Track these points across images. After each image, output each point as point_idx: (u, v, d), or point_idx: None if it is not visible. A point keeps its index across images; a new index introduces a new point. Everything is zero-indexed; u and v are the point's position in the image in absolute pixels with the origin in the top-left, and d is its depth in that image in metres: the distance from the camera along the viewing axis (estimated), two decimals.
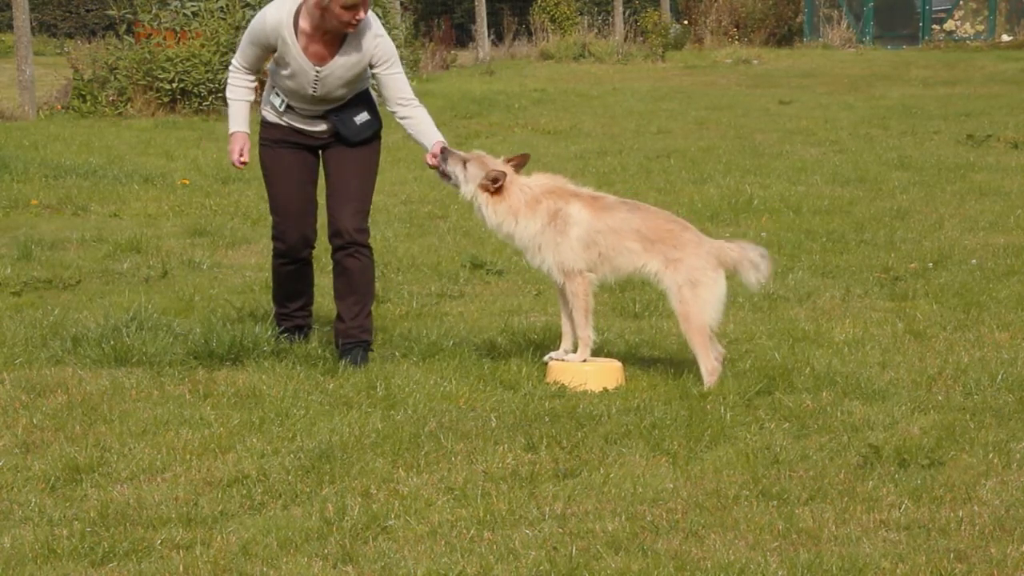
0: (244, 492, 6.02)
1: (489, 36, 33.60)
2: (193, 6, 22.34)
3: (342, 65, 7.91)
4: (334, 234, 8.10)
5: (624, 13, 35.71)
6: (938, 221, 12.51)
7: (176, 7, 22.44)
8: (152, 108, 21.15)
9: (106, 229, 12.31)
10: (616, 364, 7.83)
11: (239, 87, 8.18)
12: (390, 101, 8.14)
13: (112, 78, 21.40)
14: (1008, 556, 5.35)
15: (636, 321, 9.18)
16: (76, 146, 17.48)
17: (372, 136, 8.22)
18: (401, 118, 8.16)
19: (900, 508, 5.83)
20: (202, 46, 21.30)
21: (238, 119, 8.17)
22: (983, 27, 34.02)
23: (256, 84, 8.32)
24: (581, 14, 36.01)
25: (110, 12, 23.67)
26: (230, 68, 8.22)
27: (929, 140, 18.32)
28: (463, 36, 38.17)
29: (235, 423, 6.93)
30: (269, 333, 8.25)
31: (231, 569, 5.29)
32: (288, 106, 8.06)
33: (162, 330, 8.37)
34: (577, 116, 21.75)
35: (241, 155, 8.11)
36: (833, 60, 30.37)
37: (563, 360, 7.79)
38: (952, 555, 5.35)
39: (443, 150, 8.04)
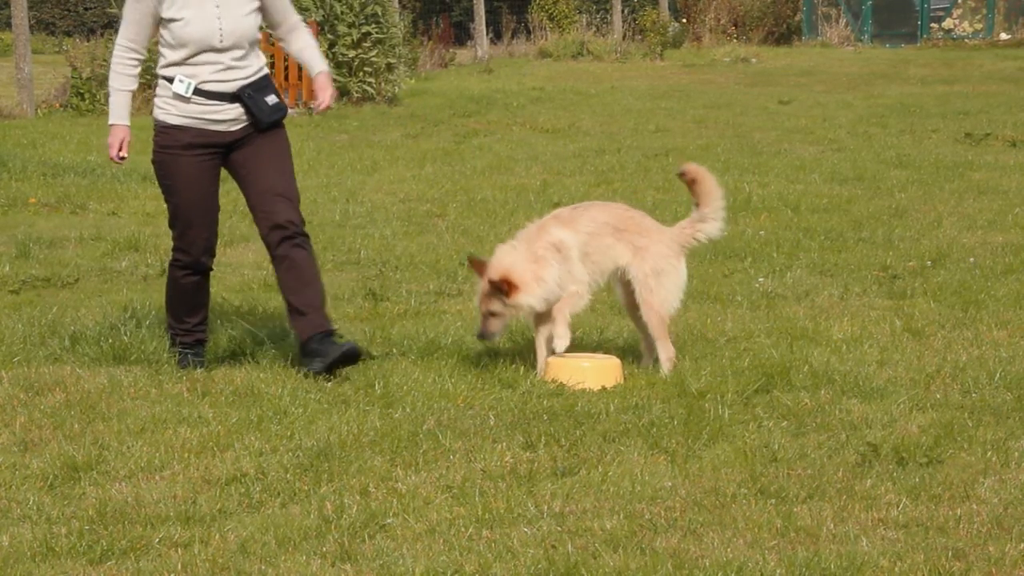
0: (242, 490, 6.02)
1: (488, 34, 33.60)
2: None
3: None
4: (274, 227, 7.76)
5: (623, 11, 35.71)
6: (936, 219, 12.51)
7: None
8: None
9: (104, 227, 12.31)
10: (615, 362, 7.83)
11: (124, 74, 7.76)
12: (277, 28, 7.93)
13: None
14: (1006, 554, 5.35)
15: None
16: (74, 144, 17.48)
17: (280, 121, 7.87)
18: (283, 42, 8.02)
19: (898, 506, 5.83)
20: None
21: (120, 110, 7.79)
22: (981, 26, 34.02)
23: (139, 70, 7.85)
24: (580, 12, 36.01)
25: (110, 10, 23.67)
26: (114, 52, 7.82)
27: (927, 138, 18.32)
28: (462, 34, 38.16)
29: (233, 421, 6.93)
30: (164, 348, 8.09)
31: (229, 567, 5.29)
32: (196, 89, 7.66)
33: (160, 329, 8.37)
34: (575, 115, 21.75)
35: (121, 150, 7.78)
36: (831, 58, 30.37)
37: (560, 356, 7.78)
38: (950, 553, 5.35)
39: (481, 335, 7.85)
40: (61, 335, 8.38)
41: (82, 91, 21.28)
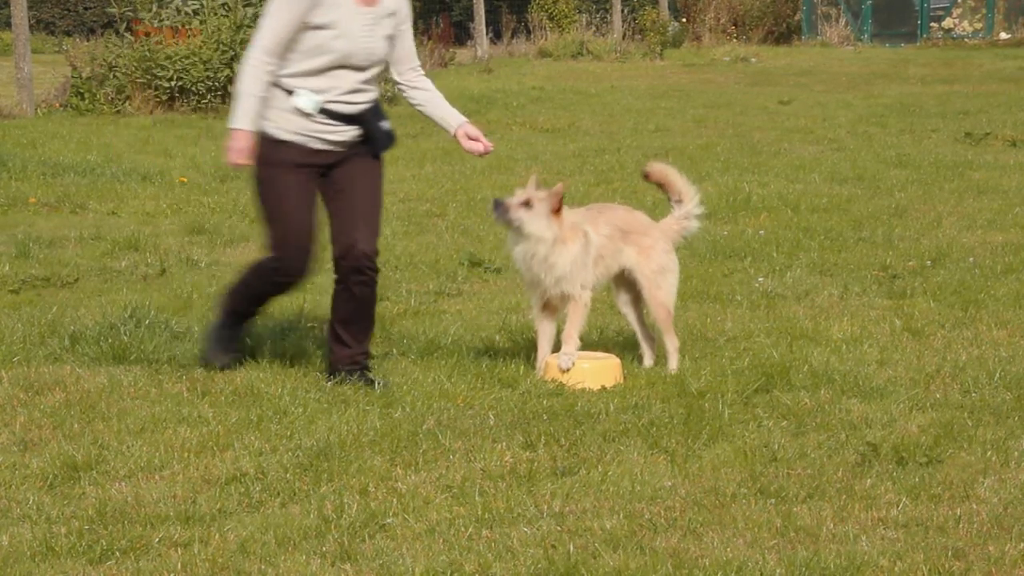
0: (242, 490, 6.02)
1: (487, 34, 33.59)
2: (194, 3, 22.35)
3: (386, 8, 7.42)
4: (345, 255, 7.54)
5: (622, 11, 35.71)
6: (936, 219, 12.51)
7: (177, 5, 22.45)
8: (151, 106, 21.15)
9: (104, 227, 12.31)
10: (615, 362, 7.83)
11: (260, 80, 7.32)
12: (401, 64, 7.62)
13: (111, 76, 21.40)
14: (1006, 554, 5.35)
15: None
16: (74, 144, 17.47)
17: (388, 149, 7.72)
18: (412, 88, 7.69)
19: (898, 506, 5.83)
20: (202, 44, 21.30)
21: (249, 115, 7.33)
22: (981, 25, 34.02)
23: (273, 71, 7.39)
24: (579, 12, 36.01)
25: (110, 9, 23.67)
26: (251, 55, 7.35)
27: (927, 138, 18.32)
28: (461, 34, 38.16)
29: (233, 421, 6.93)
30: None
31: (229, 567, 5.29)
32: (322, 108, 7.37)
33: (160, 328, 8.38)
34: (575, 114, 21.74)
35: (243, 156, 7.39)
36: (831, 58, 30.36)
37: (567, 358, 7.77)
38: (950, 553, 5.35)
39: (497, 205, 7.77)
40: (61, 335, 8.37)
41: (82, 91, 21.28)
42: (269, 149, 7.43)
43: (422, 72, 7.76)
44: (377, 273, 7.70)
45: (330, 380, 7.57)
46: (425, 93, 7.74)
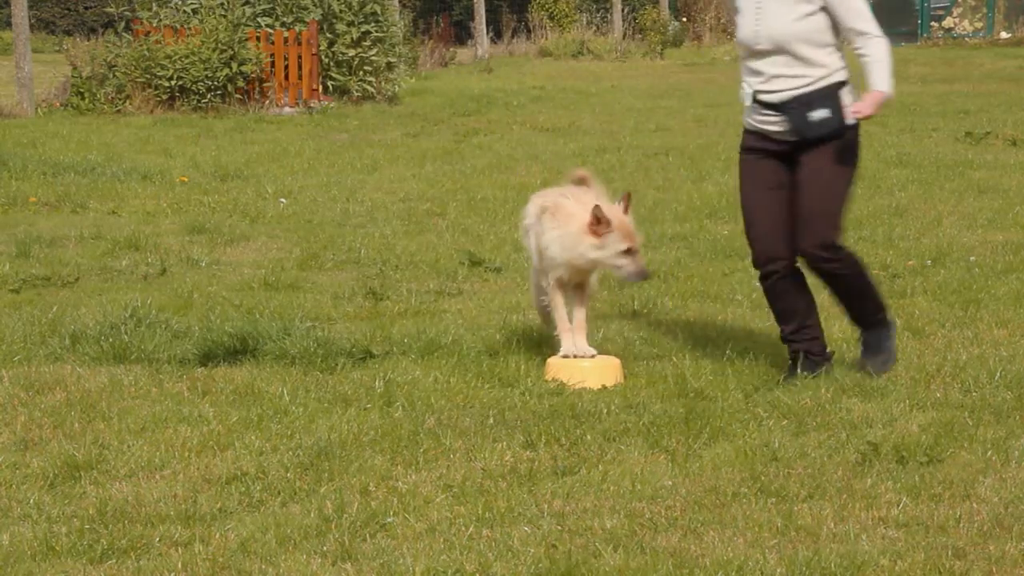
0: (243, 489, 6.02)
1: (488, 33, 33.63)
2: (193, 3, 22.37)
3: None
4: (800, 251, 7.55)
5: (623, 11, 35.73)
6: (936, 218, 12.51)
7: (176, 4, 22.47)
8: (151, 105, 21.17)
9: (105, 226, 12.31)
10: (615, 361, 7.82)
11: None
12: (844, 32, 7.38)
13: (111, 75, 21.43)
14: (1007, 553, 5.35)
15: (635, 318, 9.18)
16: (75, 143, 17.48)
17: (830, 136, 7.36)
18: (857, 54, 7.43)
19: (899, 505, 5.83)
20: (201, 43, 21.31)
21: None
22: (982, 24, 34.05)
23: None
24: (580, 11, 36.05)
25: (109, 9, 23.68)
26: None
27: (928, 137, 18.32)
28: (462, 33, 38.18)
29: (233, 420, 6.93)
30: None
31: (230, 566, 5.29)
32: (753, 97, 7.47)
33: (160, 327, 8.37)
34: (576, 113, 21.76)
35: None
36: None
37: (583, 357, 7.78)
38: (951, 552, 5.35)
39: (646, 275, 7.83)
40: (61, 334, 8.37)
41: (82, 90, 21.30)
42: (743, 137, 7.72)
43: (874, 38, 7.45)
44: (833, 259, 7.50)
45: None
46: (864, 58, 7.45)
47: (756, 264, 7.69)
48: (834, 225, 7.51)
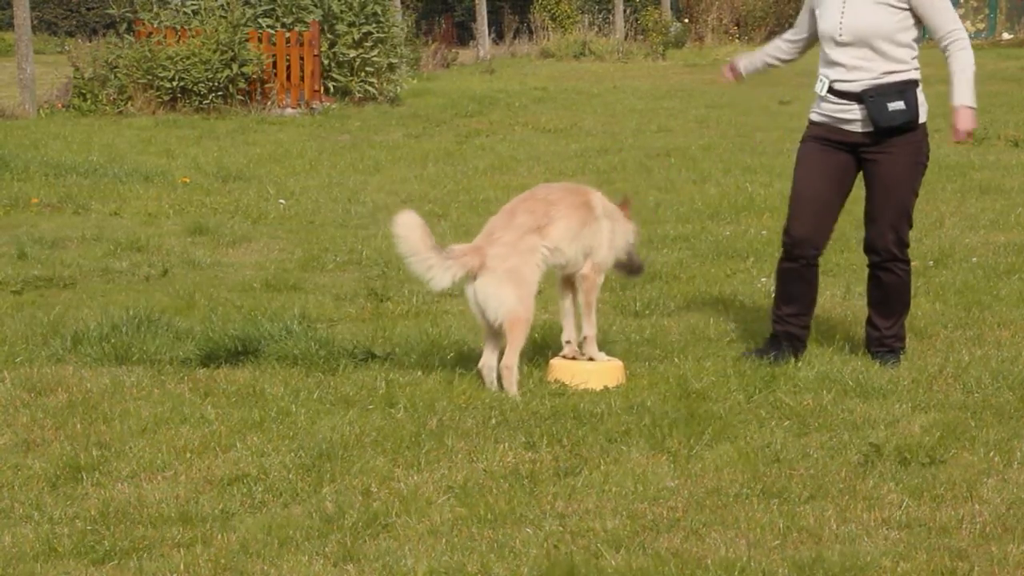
0: (244, 490, 6.02)
1: (490, 34, 33.64)
2: (194, 4, 22.38)
3: None
4: (868, 249, 7.97)
5: (625, 11, 35.74)
6: (938, 219, 12.51)
7: (177, 5, 22.48)
8: (152, 106, 21.17)
9: (106, 228, 12.31)
10: (617, 362, 7.82)
11: (763, 50, 8.38)
12: (932, 33, 7.75)
13: (112, 76, 21.43)
14: (1009, 555, 5.35)
15: (637, 319, 9.18)
16: (76, 144, 17.49)
17: (902, 127, 7.74)
18: (945, 55, 7.82)
19: (901, 506, 5.83)
20: (202, 44, 21.32)
21: (752, 54, 8.40)
22: (983, 25, 34.03)
23: (786, 47, 8.22)
24: (582, 12, 36.06)
25: (110, 10, 23.69)
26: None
27: (929, 138, 18.28)
28: (464, 34, 38.20)
29: (235, 421, 6.93)
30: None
31: (232, 567, 5.29)
32: (830, 88, 7.71)
33: (162, 328, 8.37)
34: (578, 114, 21.76)
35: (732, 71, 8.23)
36: None
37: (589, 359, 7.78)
38: (953, 553, 5.35)
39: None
40: (63, 335, 8.37)
41: (84, 91, 21.31)
42: (807, 128, 7.98)
43: (960, 45, 7.81)
44: (902, 263, 7.91)
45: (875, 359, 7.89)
46: (952, 65, 7.86)
47: (789, 245, 7.95)
48: (909, 223, 7.91)
